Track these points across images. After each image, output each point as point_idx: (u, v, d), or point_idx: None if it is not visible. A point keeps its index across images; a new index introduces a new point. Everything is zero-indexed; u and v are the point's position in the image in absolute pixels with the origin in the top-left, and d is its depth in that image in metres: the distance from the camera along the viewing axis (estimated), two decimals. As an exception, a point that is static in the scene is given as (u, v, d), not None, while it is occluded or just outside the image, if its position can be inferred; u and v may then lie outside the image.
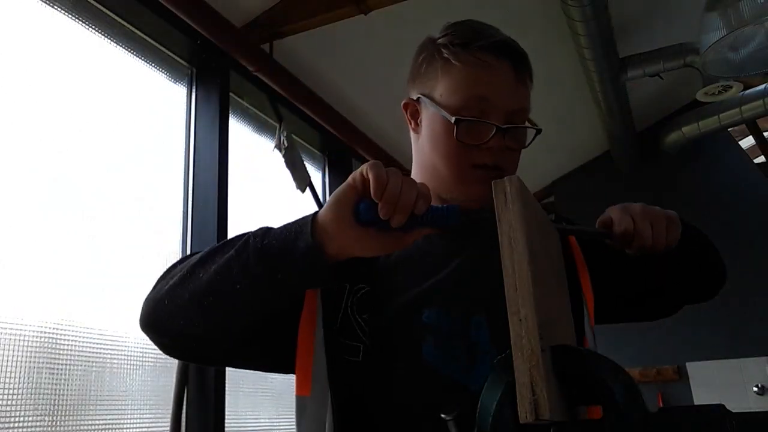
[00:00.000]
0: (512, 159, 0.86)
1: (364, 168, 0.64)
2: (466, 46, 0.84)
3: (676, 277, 0.92)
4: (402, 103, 0.92)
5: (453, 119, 0.81)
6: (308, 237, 0.65)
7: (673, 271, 0.90)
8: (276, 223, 0.86)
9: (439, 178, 0.85)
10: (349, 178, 0.65)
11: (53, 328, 1.37)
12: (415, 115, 0.90)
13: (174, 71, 1.97)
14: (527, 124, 0.87)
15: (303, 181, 2.17)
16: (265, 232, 0.69)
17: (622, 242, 0.80)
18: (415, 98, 0.89)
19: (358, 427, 0.73)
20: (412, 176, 0.92)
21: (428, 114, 0.87)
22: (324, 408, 0.73)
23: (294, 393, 0.78)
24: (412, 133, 0.92)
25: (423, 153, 0.89)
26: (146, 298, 0.75)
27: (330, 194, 2.88)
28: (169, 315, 0.71)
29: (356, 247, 0.66)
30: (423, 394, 0.73)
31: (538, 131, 0.87)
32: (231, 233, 1.87)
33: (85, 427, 1.40)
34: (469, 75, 0.83)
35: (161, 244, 1.76)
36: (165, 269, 0.77)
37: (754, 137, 4.09)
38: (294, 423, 0.79)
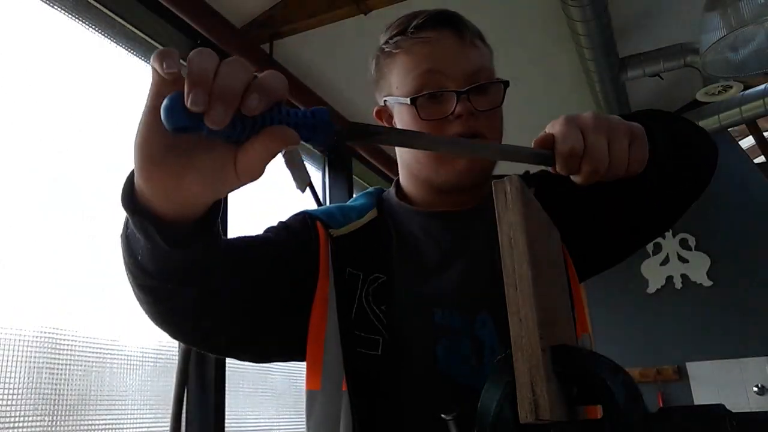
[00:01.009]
0: (489, 122, 0.81)
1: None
2: (404, 32, 0.83)
3: (658, 199, 0.77)
4: (374, 113, 0.91)
5: (408, 100, 0.80)
6: (126, 202, 0.53)
7: (652, 194, 0.74)
8: (276, 222, 0.86)
9: (425, 169, 0.84)
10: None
11: (53, 329, 1.37)
12: (390, 120, 0.89)
13: (174, 71, 1.97)
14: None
15: (303, 181, 2.16)
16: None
17: (567, 165, 0.61)
18: (382, 104, 0.89)
19: (381, 424, 0.71)
20: (401, 182, 0.92)
21: (396, 111, 0.86)
22: (336, 403, 0.72)
23: (304, 388, 0.77)
24: None
25: (404, 154, 0.88)
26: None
27: (330, 194, 2.84)
28: (147, 305, 0.66)
29: (185, 180, 0.48)
30: (439, 400, 0.72)
31: (506, 84, 0.82)
32: (231, 233, 1.87)
33: (85, 427, 1.40)
34: (412, 56, 0.82)
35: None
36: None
37: (754, 137, 4.08)
38: (304, 419, 0.77)
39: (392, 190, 0.93)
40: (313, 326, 0.75)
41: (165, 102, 0.42)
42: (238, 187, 0.50)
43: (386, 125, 0.89)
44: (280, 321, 0.76)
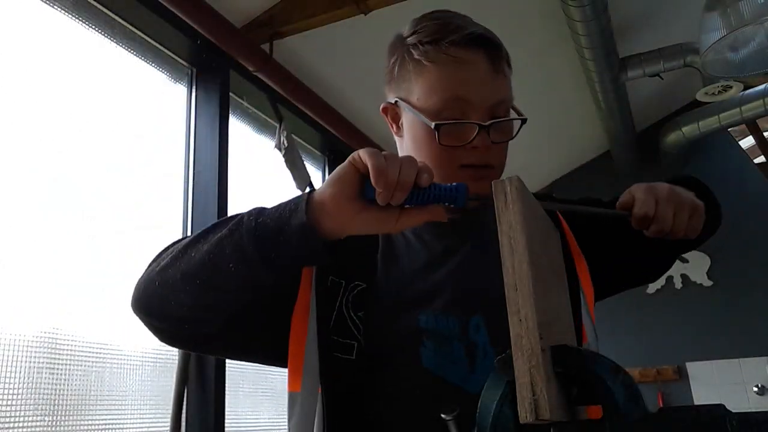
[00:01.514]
0: (499, 153, 0.82)
1: (362, 152, 0.63)
2: (437, 43, 0.80)
3: (678, 250, 0.92)
4: (381, 108, 0.89)
5: (433, 125, 0.78)
6: (303, 214, 0.64)
7: (677, 248, 0.90)
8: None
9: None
10: (350, 158, 0.64)
11: (53, 329, 1.37)
12: (396, 118, 0.88)
13: (174, 71, 1.97)
14: (511, 114, 0.84)
15: (303, 181, 2.17)
16: (260, 211, 0.68)
17: (639, 225, 0.78)
18: (393, 102, 0.87)
19: (350, 426, 0.72)
20: None
21: (408, 118, 0.84)
22: (314, 405, 0.73)
23: (287, 390, 0.78)
24: (395, 136, 0.90)
25: (410, 151, 0.87)
26: (138, 281, 0.73)
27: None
28: (159, 297, 0.70)
29: (353, 223, 0.65)
30: (423, 399, 0.73)
31: (524, 121, 0.83)
32: (231, 233, 1.87)
33: (85, 427, 1.40)
34: (443, 75, 0.79)
35: (161, 244, 1.76)
36: (156, 253, 0.76)
37: (754, 137, 4.09)
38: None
39: None
40: (294, 331, 0.76)
41: (367, 184, 0.64)
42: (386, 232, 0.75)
43: (393, 123, 0.88)
44: (265, 326, 0.77)
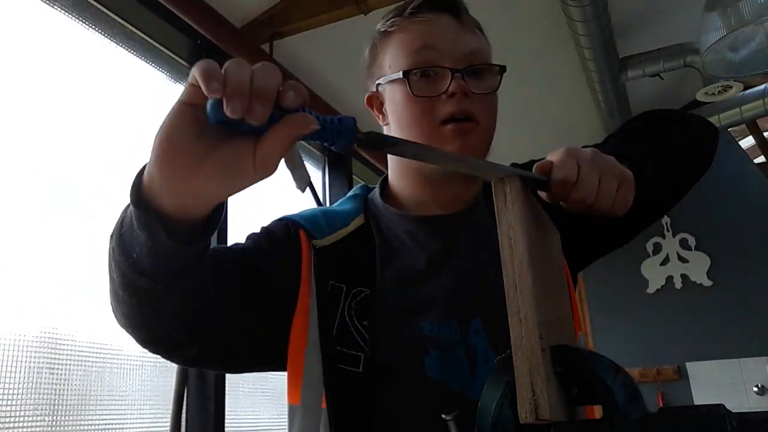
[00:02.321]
0: (483, 106, 0.79)
1: (193, 68, 0.48)
2: (400, 14, 0.82)
3: (658, 207, 0.85)
4: (365, 99, 0.89)
5: (401, 73, 0.78)
6: (135, 188, 0.53)
7: (650, 207, 0.80)
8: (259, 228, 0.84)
9: (416, 163, 0.80)
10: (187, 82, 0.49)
11: (53, 329, 1.37)
12: (380, 107, 0.87)
13: (174, 71, 1.97)
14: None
15: (303, 181, 2.16)
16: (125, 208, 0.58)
17: (558, 192, 0.65)
18: (373, 89, 0.87)
19: None
20: (390, 175, 0.90)
21: (387, 94, 0.84)
22: (315, 419, 0.70)
23: (286, 401, 0.75)
24: (383, 127, 0.88)
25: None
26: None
27: (330, 194, 2.85)
28: (122, 318, 0.65)
29: (201, 174, 0.49)
30: (428, 409, 0.69)
31: (502, 69, 0.80)
32: (231, 233, 1.87)
33: (85, 427, 1.40)
34: (408, 33, 0.80)
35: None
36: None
37: (754, 137, 4.08)
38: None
39: (377, 190, 0.90)
40: (293, 339, 0.73)
41: (210, 103, 0.46)
42: (251, 184, 0.51)
43: (378, 113, 0.88)
44: (257, 333, 0.74)
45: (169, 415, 1.61)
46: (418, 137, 0.77)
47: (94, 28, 1.67)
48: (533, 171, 0.65)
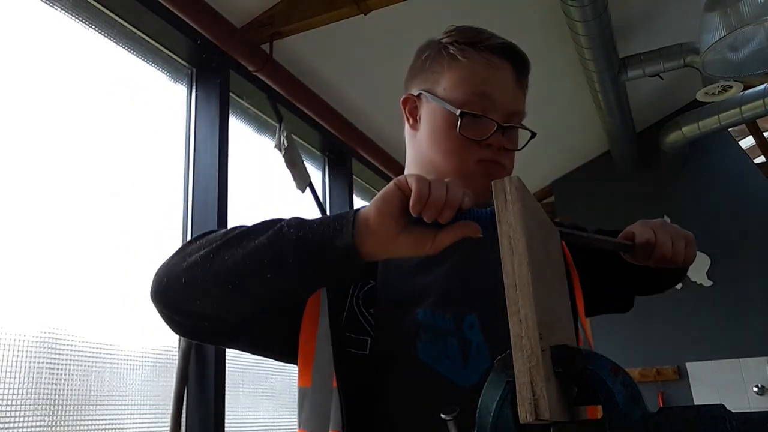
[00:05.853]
0: (509, 156, 0.87)
1: (408, 175, 0.65)
2: (473, 45, 0.86)
3: (657, 282, 0.98)
4: (401, 99, 0.92)
5: (458, 112, 0.82)
6: (348, 236, 0.65)
7: (661, 278, 0.95)
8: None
9: (437, 174, 0.84)
10: (395, 180, 0.66)
11: (53, 329, 1.37)
12: (414, 112, 0.90)
13: (174, 71, 1.97)
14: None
15: (303, 181, 2.17)
16: (300, 223, 0.69)
17: (642, 253, 0.83)
18: (416, 94, 0.90)
19: (369, 420, 0.74)
20: (405, 173, 0.93)
21: (429, 109, 0.88)
22: (326, 400, 0.74)
23: (297, 385, 0.79)
24: (408, 130, 0.92)
25: (420, 149, 0.89)
26: (160, 273, 0.74)
27: (330, 194, 2.85)
28: (185, 294, 0.71)
29: (394, 243, 0.66)
30: (418, 389, 0.75)
31: (533, 135, 0.89)
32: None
33: (85, 427, 1.40)
34: (474, 71, 0.85)
35: (161, 244, 1.76)
36: (180, 245, 0.76)
37: (754, 137, 4.09)
38: (296, 417, 0.79)
39: None
40: (305, 327, 0.78)
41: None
42: (421, 255, 0.68)
43: (409, 116, 0.91)
44: (279, 321, 0.79)
45: (169, 415, 1.61)
46: (449, 163, 0.86)
47: (94, 28, 1.67)
48: (618, 238, 0.85)
